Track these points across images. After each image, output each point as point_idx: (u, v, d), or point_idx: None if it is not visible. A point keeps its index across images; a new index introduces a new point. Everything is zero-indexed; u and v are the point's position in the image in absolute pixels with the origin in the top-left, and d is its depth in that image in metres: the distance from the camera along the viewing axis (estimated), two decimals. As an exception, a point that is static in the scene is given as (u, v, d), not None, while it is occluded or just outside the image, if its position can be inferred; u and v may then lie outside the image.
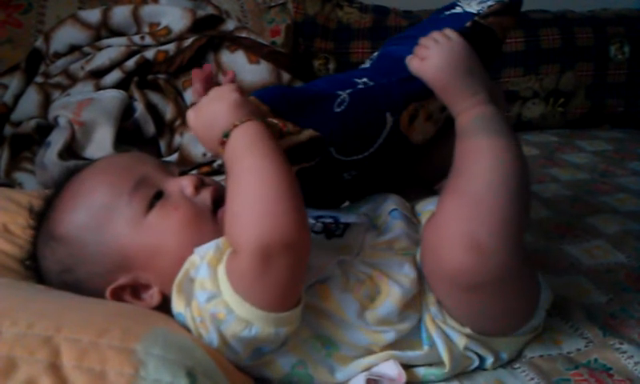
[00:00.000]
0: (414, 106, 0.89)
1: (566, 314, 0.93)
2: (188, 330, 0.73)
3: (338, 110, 0.85)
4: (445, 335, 0.81)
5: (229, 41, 1.52)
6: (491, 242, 0.75)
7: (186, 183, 0.81)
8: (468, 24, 0.88)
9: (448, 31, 0.86)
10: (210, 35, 1.51)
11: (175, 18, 1.54)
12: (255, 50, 1.51)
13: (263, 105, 0.81)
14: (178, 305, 0.74)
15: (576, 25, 1.92)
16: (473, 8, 0.91)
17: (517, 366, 0.84)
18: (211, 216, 0.80)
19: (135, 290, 0.78)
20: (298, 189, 0.72)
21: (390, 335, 0.79)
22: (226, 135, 0.74)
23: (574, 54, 1.89)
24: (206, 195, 0.81)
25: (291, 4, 1.87)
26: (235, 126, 0.74)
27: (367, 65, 0.96)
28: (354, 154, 0.88)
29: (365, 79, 0.88)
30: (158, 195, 0.80)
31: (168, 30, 1.52)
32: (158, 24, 1.55)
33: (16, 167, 1.35)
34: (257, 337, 0.71)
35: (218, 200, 0.81)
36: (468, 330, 0.80)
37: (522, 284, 0.81)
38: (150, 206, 0.79)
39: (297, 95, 0.86)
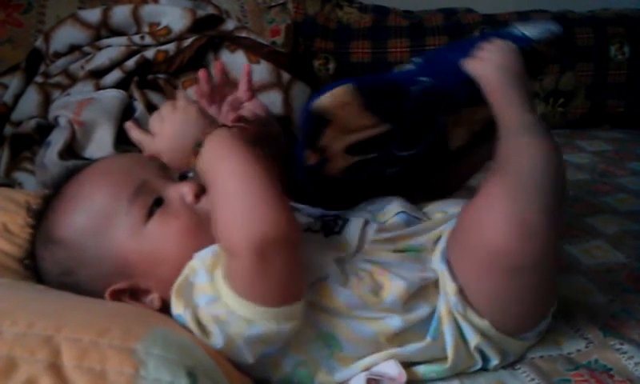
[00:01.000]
0: (461, 112, 0.93)
1: (567, 314, 0.93)
2: (189, 331, 0.73)
3: (407, 106, 0.86)
4: (458, 330, 0.81)
5: (229, 41, 1.52)
6: (539, 224, 0.76)
7: (187, 190, 0.81)
8: (526, 46, 0.93)
9: (509, 43, 0.92)
10: (209, 35, 1.50)
11: (175, 18, 1.53)
12: (255, 50, 1.51)
13: (357, 96, 0.81)
14: (176, 307, 0.74)
15: (576, 25, 1.91)
16: (529, 32, 0.95)
17: (517, 366, 0.84)
18: (211, 223, 0.80)
19: (134, 294, 0.79)
20: (279, 186, 0.73)
21: (395, 321, 0.79)
22: (199, 144, 0.75)
23: (574, 54, 1.89)
24: (206, 203, 0.80)
25: (291, 4, 1.87)
26: (207, 133, 0.75)
27: (412, 66, 0.98)
28: (404, 149, 0.90)
29: (426, 78, 0.89)
30: (158, 202, 0.80)
31: (168, 29, 1.52)
32: (158, 24, 1.55)
33: (16, 167, 1.35)
34: (260, 334, 0.72)
35: None
36: (486, 323, 0.80)
37: (551, 277, 0.82)
38: (150, 213, 0.79)
39: (384, 86, 0.87)
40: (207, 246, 0.77)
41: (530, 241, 0.76)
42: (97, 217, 0.79)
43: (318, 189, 0.91)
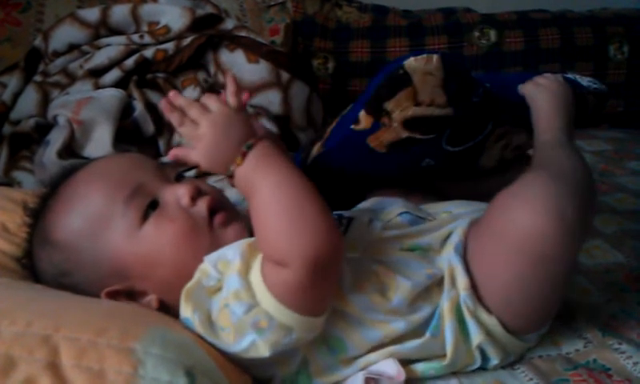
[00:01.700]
0: (507, 128, 0.97)
1: (566, 314, 0.93)
2: (198, 335, 0.73)
3: (475, 100, 0.89)
4: (460, 327, 0.81)
5: (228, 40, 1.51)
6: (573, 216, 0.77)
7: (183, 193, 0.80)
8: (577, 90, 1.00)
9: (560, 78, 1.00)
10: (209, 34, 1.50)
11: (174, 17, 1.53)
12: (254, 49, 1.50)
13: (442, 69, 0.83)
14: (185, 310, 0.74)
15: (575, 24, 1.92)
16: (584, 82, 1.03)
17: (516, 366, 0.84)
18: (207, 227, 0.80)
19: (131, 295, 0.78)
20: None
21: (400, 325, 0.79)
22: (249, 146, 0.73)
23: (574, 53, 1.89)
24: (202, 206, 0.80)
25: (290, 3, 1.88)
26: (256, 138, 0.74)
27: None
28: (450, 145, 0.93)
29: (488, 84, 0.93)
30: (153, 205, 0.79)
31: (167, 28, 1.52)
32: (157, 23, 1.55)
33: (15, 166, 1.35)
34: (292, 342, 0.72)
35: (215, 209, 0.81)
36: (494, 321, 0.80)
37: (570, 275, 0.84)
38: (145, 216, 0.78)
39: (466, 72, 0.89)
40: (203, 249, 0.77)
41: (564, 231, 0.77)
42: (93, 219, 0.79)
43: (344, 163, 0.92)
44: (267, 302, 0.71)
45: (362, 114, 0.86)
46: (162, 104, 0.77)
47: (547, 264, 0.78)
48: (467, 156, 0.97)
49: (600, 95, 1.04)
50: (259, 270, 0.72)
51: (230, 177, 0.75)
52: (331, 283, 0.74)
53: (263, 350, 0.72)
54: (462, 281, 0.81)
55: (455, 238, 0.85)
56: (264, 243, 0.72)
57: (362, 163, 0.92)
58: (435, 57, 0.82)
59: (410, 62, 0.82)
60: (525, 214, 0.78)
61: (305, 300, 0.71)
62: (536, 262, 0.78)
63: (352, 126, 0.87)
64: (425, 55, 0.82)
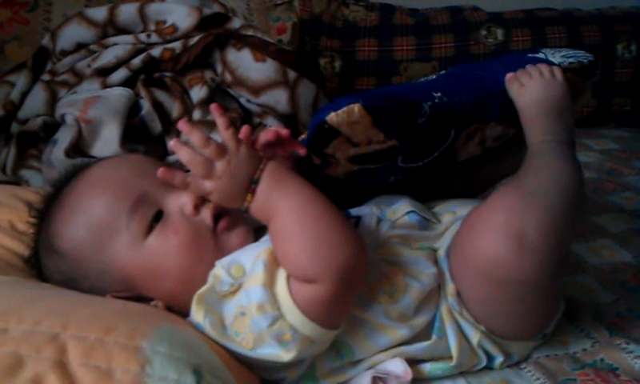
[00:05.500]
0: (475, 126, 0.92)
1: (573, 313, 0.93)
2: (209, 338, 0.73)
3: (420, 122, 0.86)
4: (459, 328, 0.81)
5: (235, 39, 1.52)
6: (537, 239, 0.75)
7: (186, 201, 0.79)
8: None
9: (556, 69, 0.91)
10: (216, 33, 1.51)
11: (181, 16, 1.54)
12: (261, 48, 1.50)
13: (367, 116, 0.81)
14: (196, 315, 0.74)
15: (583, 23, 1.91)
16: (556, 59, 0.96)
17: (523, 366, 0.84)
18: (211, 235, 0.79)
19: (137, 300, 0.78)
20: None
21: (404, 331, 0.79)
22: (255, 182, 0.73)
23: (581, 52, 1.88)
24: (206, 214, 0.79)
25: (297, 2, 1.88)
26: (261, 170, 0.73)
27: (433, 76, 0.98)
28: (412, 162, 0.90)
29: (440, 93, 0.89)
30: (158, 216, 0.79)
31: (174, 28, 1.52)
32: (165, 22, 1.55)
33: (23, 165, 1.35)
34: (310, 353, 0.73)
35: (220, 213, 0.80)
36: (482, 328, 0.80)
37: (549, 294, 0.81)
38: (150, 228, 0.78)
39: (396, 106, 0.86)
40: (207, 257, 0.77)
41: (526, 256, 0.74)
42: (97, 231, 0.78)
43: (321, 185, 0.91)
44: (294, 316, 0.71)
45: (311, 154, 0.86)
46: (171, 144, 0.74)
47: (515, 287, 0.76)
48: (437, 164, 0.94)
49: (581, 69, 0.96)
50: (285, 283, 0.72)
51: (245, 211, 0.75)
52: (355, 293, 0.75)
53: (282, 359, 0.72)
54: (449, 286, 0.81)
55: (447, 241, 0.85)
56: (290, 263, 0.72)
57: (333, 186, 0.92)
58: (356, 107, 0.79)
59: (332, 118, 0.80)
60: (485, 241, 0.76)
61: (331, 313, 0.72)
62: (502, 286, 0.77)
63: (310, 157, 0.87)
64: (344, 108, 0.80)
